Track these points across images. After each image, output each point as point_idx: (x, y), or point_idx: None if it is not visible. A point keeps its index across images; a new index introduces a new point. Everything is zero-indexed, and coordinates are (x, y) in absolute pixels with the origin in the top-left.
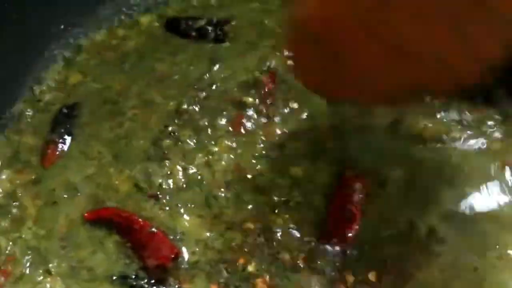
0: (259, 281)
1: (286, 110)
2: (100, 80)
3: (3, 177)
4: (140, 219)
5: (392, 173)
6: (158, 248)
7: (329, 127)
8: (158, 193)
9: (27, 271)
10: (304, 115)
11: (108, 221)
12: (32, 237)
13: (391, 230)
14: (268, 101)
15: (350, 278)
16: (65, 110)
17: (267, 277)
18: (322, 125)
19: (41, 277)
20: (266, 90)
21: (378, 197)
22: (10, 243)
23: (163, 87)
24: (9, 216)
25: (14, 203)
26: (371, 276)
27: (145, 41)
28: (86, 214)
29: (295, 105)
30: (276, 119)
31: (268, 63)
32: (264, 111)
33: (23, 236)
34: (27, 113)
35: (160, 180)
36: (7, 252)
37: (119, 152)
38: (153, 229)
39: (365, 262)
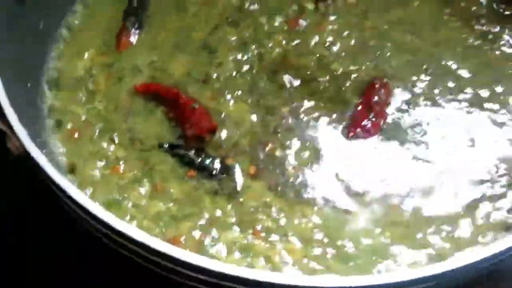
0: (289, 167)
1: (342, 7)
2: None
3: (86, 55)
4: (184, 96)
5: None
6: (198, 120)
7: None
8: (207, 79)
9: (96, 137)
10: (359, 10)
11: (156, 94)
12: (103, 108)
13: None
14: (328, 1)
15: None
16: (135, 3)
17: (296, 164)
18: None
19: (106, 143)
20: None
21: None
22: (86, 111)
23: None
24: (86, 89)
25: (91, 79)
26: None
27: None
28: (137, 86)
29: (353, 0)
30: (331, 18)
31: None
32: (321, 11)
33: (97, 107)
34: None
35: (211, 69)
36: (83, 118)
37: (179, 42)
38: (196, 105)
39: None
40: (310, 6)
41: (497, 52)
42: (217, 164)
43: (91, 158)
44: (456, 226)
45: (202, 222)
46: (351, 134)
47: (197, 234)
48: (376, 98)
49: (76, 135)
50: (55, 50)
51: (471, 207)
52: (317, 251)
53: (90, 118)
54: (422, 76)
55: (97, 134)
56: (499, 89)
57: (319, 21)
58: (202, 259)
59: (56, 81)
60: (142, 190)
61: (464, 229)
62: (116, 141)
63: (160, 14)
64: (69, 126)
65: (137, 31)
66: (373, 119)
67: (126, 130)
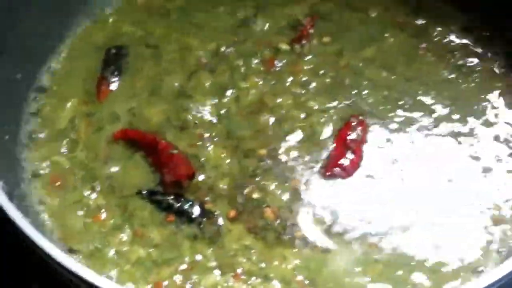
0: (268, 209)
1: (317, 46)
2: (145, 28)
3: (69, 105)
4: (163, 141)
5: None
6: (176, 166)
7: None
8: (185, 125)
9: (78, 185)
10: (333, 49)
11: (135, 141)
12: (85, 158)
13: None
14: (303, 42)
15: None
16: (113, 51)
17: (275, 207)
18: (346, 61)
19: (88, 192)
20: (304, 32)
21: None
22: (69, 161)
23: (202, 33)
24: (68, 139)
25: (73, 129)
26: None
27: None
28: (115, 133)
29: (327, 39)
30: (306, 58)
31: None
32: (296, 51)
33: (78, 156)
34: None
35: (188, 114)
36: (65, 167)
37: (156, 88)
38: (174, 151)
39: None
40: (285, 46)
41: (472, 85)
42: (196, 208)
43: (73, 208)
44: (436, 263)
45: (183, 266)
46: (328, 173)
47: (178, 279)
48: (353, 136)
49: (57, 185)
50: (35, 101)
51: (450, 243)
52: None
53: (72, 167)
54: (399, 112)
55: (78, 182)
56: (473, 122)
57: (295, 61)
58: None
59: (36, 132)
60: (123, 237)
61: (444, 265)
62: (98, 189)
63: (138, 61)
64: (50, 176)
65: (117, 79)
66: (350, 158)
67: (106, 178)
